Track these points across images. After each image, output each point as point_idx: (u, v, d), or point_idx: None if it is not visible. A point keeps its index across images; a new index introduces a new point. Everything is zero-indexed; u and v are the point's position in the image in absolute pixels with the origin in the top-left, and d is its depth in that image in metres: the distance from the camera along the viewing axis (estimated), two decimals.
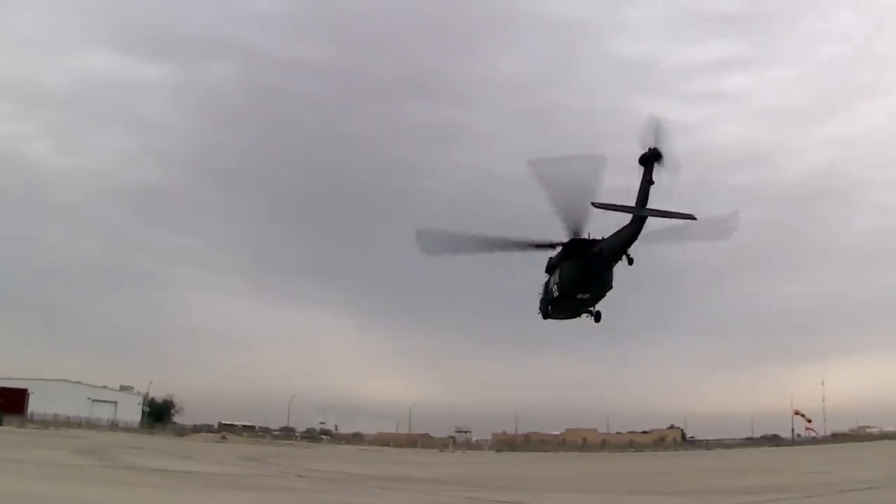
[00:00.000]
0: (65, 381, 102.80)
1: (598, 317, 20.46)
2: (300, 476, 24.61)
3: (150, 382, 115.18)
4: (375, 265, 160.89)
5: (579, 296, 19.68)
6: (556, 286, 20.04)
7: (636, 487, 24.30)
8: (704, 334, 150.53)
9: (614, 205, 17.51)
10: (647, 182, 17.45)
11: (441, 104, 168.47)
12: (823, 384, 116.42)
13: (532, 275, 21.38)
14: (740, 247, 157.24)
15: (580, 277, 19.25)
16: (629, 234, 17.85)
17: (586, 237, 18.89)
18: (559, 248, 19.61)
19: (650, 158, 17.46)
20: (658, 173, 17.48)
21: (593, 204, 17.34)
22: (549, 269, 20.49)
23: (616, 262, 18.60)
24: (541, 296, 21.14)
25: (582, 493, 21.82)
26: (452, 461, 53.67)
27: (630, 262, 18.25)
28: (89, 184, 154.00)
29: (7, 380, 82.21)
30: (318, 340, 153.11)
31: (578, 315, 20.71)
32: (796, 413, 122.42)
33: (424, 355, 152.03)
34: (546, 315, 21.28)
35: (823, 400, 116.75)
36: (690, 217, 17.39)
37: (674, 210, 17.50)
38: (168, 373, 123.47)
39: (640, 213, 17.51)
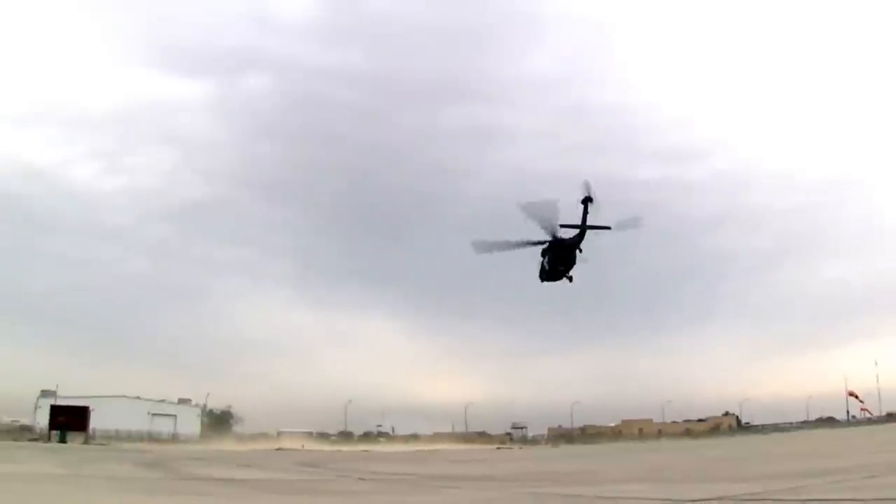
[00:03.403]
0: (125, 396, 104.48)
1: (570, 279, 33.57)
2: (361, 479, 24.72)
3: (208, 394, 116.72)
4: (423, 267, 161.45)
5: (559, 268, 33.16)
6: (546, 264, 33.33)
7: (697, 475, 24.06)
8: (755, 320, 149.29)
9: (570, 224, 32.51)
10: (584, 212, 32.10)
11: (476, 105, 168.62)
12: (877, 364, 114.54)
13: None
14: (785, 231, 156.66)
15: (557, 259, 32.96)
16: (578, 236, 32.47)
17: (561, 237, 32.89)
18: (546, 244, 33.05)
19: (586, 201, 32.07)
20: (592, 207, 32.26)
21: (560, 225, 32.58)
22: (542, 254, 33.44)
23: (574, 251, 32.80)
24: (539, 269, 34.02)
25: (643, 482, 21.64)
26: (510, 457, 53.54)
27: (579, 251, 32.86)
28: (137, 203, 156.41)
29: (69, 398, 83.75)
30: (371, 344, 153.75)
31: (560, 279, 33.68)
32: (850, 394, 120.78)
33: (477, 354, 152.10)
34: (542, 280, 34.12)
35: (878, 380, 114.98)
36: (607, 228, 32.69)
37: (597, 224, 32.53)
38: (225, 384, 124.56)
39: (581, 227, 32.38)
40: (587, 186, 31.53)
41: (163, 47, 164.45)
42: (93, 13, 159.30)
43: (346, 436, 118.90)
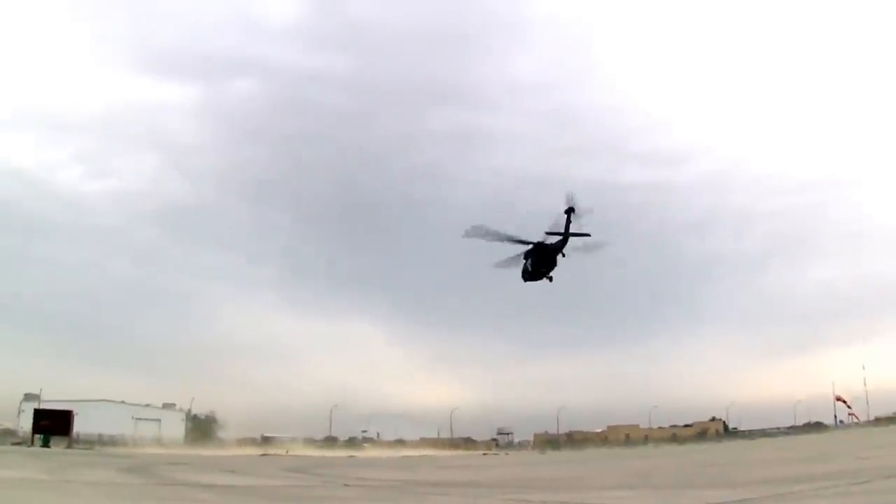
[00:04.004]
0: (109, 401, 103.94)
1: (550, 279, 36.37)
2: (347, 485, 24.61)
3: (192, 399, 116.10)
4: (408, 272, 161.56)
5: (541, 270, 35.93)
6: (529, 265, 36.27)
7: (684, 481, 24.08)
8: (742, 324, 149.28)
9: (554, 232, 34.78)
10: (567, 221, 34.25)
11: (462, 109, 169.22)
12: (864, 368, 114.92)
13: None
14: (772, 234, 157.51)
15: (540, 261, 35.84)
16: (560, 242, 34.99)
17: (543, 242, 35.76)
18: (531, 246, 35.93)
19: (569, 212, 34.11)
20: (574, 217, 34.35)
21: (546, 233, 35.29)
22: (525, 256, 36.30)
23: (556, 255, 35.38)
24: (522, 269, 36.89)
25: (629, 489, 21.64)
26: (497, 463, 53.50)
27: (563, 255, 35.34)
28: (123, 206, 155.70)
29: (53, 402, 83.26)
30: (356, 350, 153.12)
31: (540, 279, 36.50)
32: (838, 399, 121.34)
33: (463, 359, 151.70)
34: (525, 280, 37.06)
35: (865, 384, 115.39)
36: (587, 235, 34.84)
37: (578, 231, 34.60)
38: (209, 388, 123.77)
39: (564, 234, 34.62)
40: (570, 198, 34.28)
41: (149, 51, 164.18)
42: (79, 16, 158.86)
43: (331, 440, 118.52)
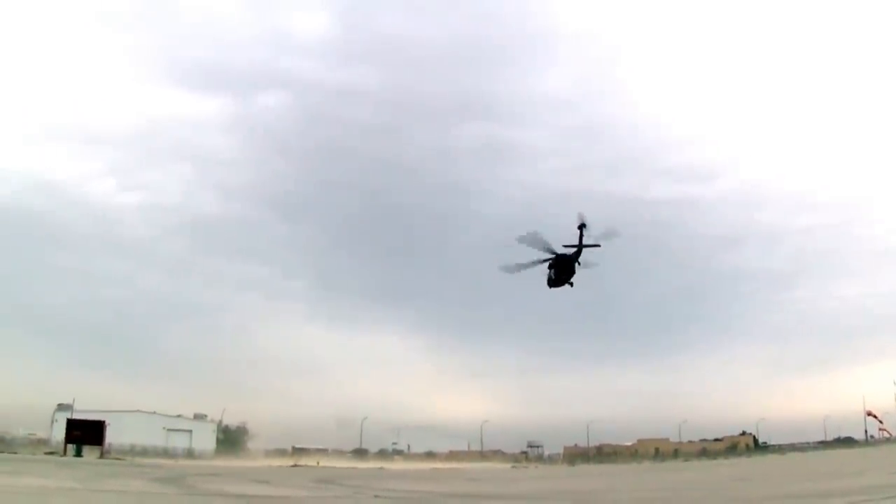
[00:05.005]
0: (140, 411, 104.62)
1: (571, 284, 38.82)
2: (377, 496, 24.65)
3: (223, 410, 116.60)
4: (438, 285, 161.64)
5: (563, 277, 38.55)
6: (552, 274, 38.84)
7: (713, 496, 23.94)
8: (772, 339, 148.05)
9: (571, 245, 37.64)
10: (581, 236, 37.18)
11: (489, 124, 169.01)
12: (895, 384, 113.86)
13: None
14: (802, 250, 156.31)
15: (561, 270, 38.54)
16: (576, 253, 37.84)
17: (563, 253, 38.09)
18: (552, 258, 38.33)
19: (581, 227, 37.09)
20: (586, 231, 37.14)
21: (563, 245, 37.82)
22: (549, 267, 38.91)
23: (573, 264, 38.22)
24: (547, 278, 39.20)
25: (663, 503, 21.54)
26: (527, 477, 53.35)
27: (578, 264, 38.17)
28: (153, 218, 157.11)
29: (85, 412, 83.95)
30: (386, 362, 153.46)
31: (563, 285, 38.95)
32: (869, 414, 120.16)
33: (493, 372, 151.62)
34: (550, 287, 39.37)
35: None
36: (597, 246, 37.50)
37: (590, 243, 37.36)
38: (240, 400, 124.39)
39: (578, 246, 37.36)
40: (581, 216, 38.17)
41: (181, 65, 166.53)
42: (113, 31, 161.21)
43: (361, 452, 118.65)
